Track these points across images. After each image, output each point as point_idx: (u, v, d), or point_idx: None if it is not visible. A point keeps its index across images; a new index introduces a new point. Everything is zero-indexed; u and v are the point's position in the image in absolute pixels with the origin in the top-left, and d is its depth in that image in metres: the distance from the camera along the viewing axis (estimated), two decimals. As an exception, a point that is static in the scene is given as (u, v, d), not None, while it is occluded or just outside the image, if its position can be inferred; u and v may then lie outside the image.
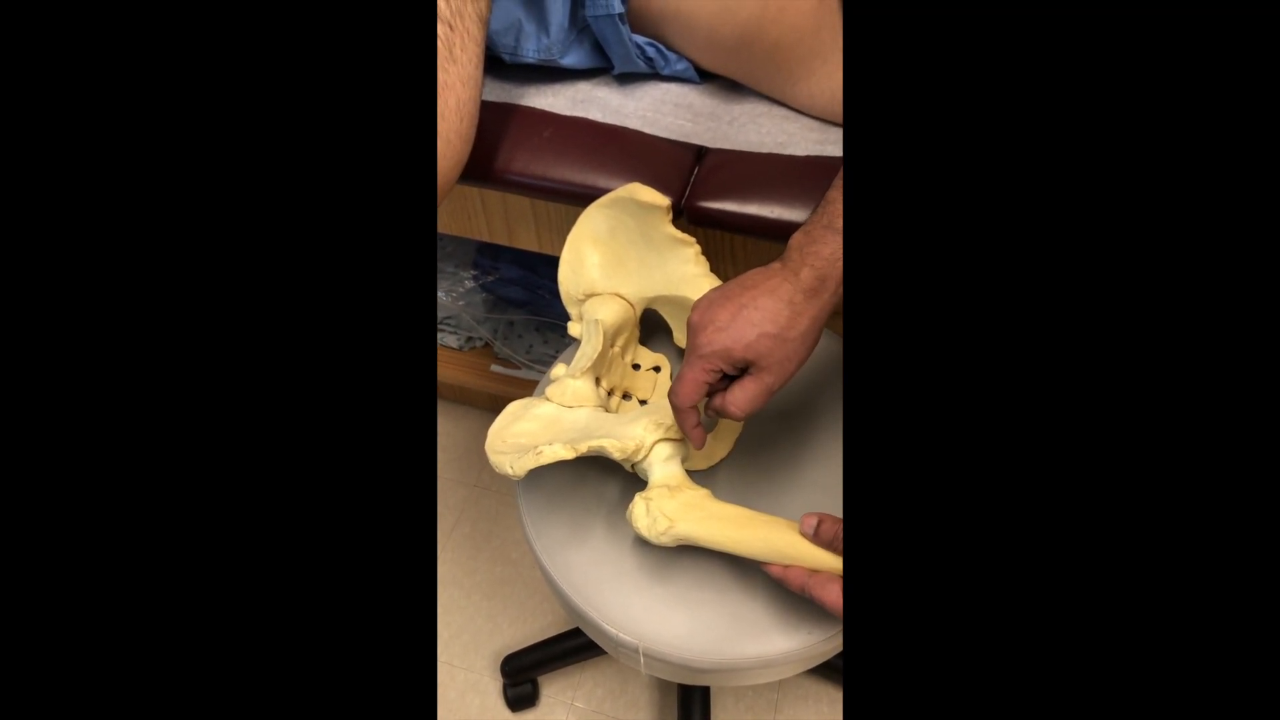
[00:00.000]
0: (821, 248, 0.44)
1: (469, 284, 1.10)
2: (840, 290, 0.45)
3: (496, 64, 0.69)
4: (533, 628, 1.02)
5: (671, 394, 0.48)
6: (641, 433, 0.50)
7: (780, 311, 0.44)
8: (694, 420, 0.49)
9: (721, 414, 0.48)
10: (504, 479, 1.14)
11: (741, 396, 0.46)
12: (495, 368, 1.12)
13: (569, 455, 0.48)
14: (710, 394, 0.48)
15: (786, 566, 0.45)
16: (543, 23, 0.65)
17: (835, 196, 0.45)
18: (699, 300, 0.48)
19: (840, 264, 0.44)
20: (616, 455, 0.49)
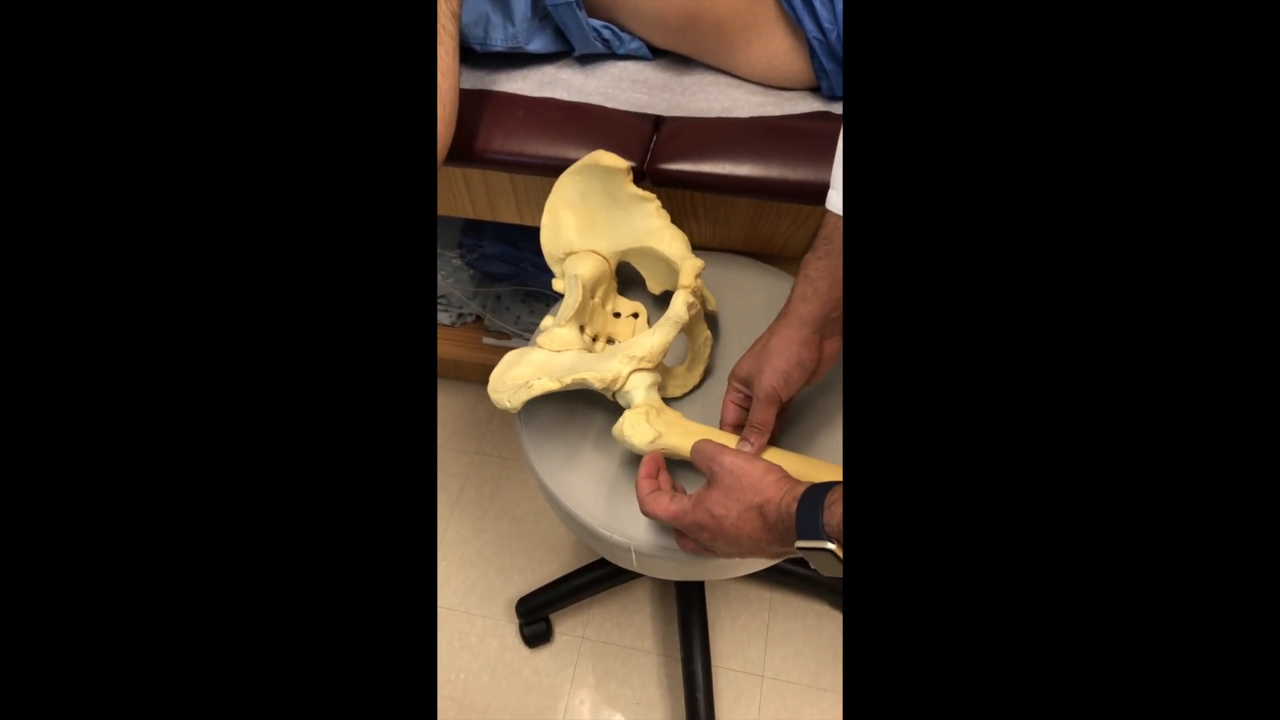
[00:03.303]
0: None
1: (456, 262, 1.16)
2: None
3: (469, 54, 0.76)
4: (540, 575, 1.10)
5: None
6: (618, 365, 0.58)
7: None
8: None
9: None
10: (503, 445, 1.23)
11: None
12: (488, 340, 1.19)
13: (555, 387, 0.56)
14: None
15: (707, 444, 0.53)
16: (508, 14, 0.72)
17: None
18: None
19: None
20: (597, 385, 0.57)
